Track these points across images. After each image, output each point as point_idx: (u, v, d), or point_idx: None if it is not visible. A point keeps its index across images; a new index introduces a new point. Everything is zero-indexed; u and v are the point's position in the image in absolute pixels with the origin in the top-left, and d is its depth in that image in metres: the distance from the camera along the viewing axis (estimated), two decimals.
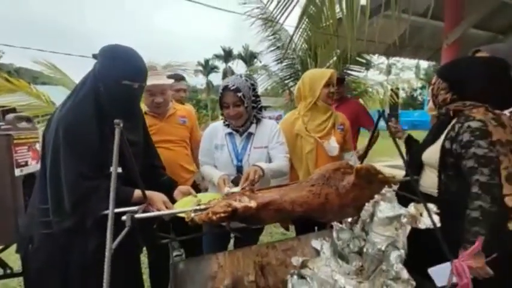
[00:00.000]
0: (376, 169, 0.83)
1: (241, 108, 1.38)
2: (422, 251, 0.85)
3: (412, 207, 0.85)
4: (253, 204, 0.74)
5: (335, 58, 4.75)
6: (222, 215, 0.66)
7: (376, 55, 4.91)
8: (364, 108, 2.39)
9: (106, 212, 0.82)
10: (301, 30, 4.21)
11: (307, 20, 3.67)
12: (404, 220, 0.84)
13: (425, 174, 1.17)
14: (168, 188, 1.20)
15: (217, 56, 35.42)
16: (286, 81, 5.61)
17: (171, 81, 1.70)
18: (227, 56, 35.22)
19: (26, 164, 1.25)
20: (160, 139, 1.63)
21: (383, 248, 0.82)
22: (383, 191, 0.90)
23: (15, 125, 1.21)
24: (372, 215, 0.91)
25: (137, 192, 0.98)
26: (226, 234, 1.52)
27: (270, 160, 1.44)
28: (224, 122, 1.50)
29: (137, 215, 0.75)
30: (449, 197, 1.05)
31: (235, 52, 34.90)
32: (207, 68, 34.73)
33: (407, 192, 0.95)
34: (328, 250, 1.13)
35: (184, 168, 1.78)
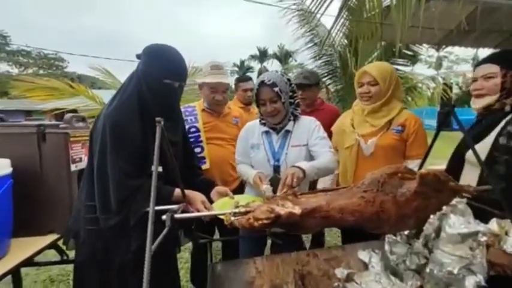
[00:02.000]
0: (446, 175, 0.69)
1: (279, 104, 1.32)
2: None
3: (494, 224, 0.69)
4: (297, 210, 0.67)
5: (377, 52, 4.40)
6: (265, 221, 0.60)
7: (425, 47, 4.41)
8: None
9: (148, 209, 0.83)
10: (340, 24, 3.98)
11: (347, 12, 3.44)
12: (483, 239, 0.68)
13: (465, 172, 1.12)
14: (205, 188, 1.19)
15: (252, 57, 35.89)
16: (324, 79, 5.38)
17: (230, 81, 1.81)
18: (262, 56, 35.44)
19: (80, 160, 1.35)
20: (213, 136, 1.72)
21: (455, 271, 0.68)
22: (453, 201, 0.75)
23: (72, 124, 1.32)
24: (439, 230, 0.76)
25: (177, 191, 0.98)
26: (264, 237, 1.47)
27: (311, 158, 1.35)
28: (260, 121, 1.45)
29: (177, 215, 0.73)
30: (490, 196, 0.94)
31: (270, 52, 34.96)
32: (243, 68, 35.37)
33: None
34: (378, 264, 1.00)
35: (233, 167, 1.81)
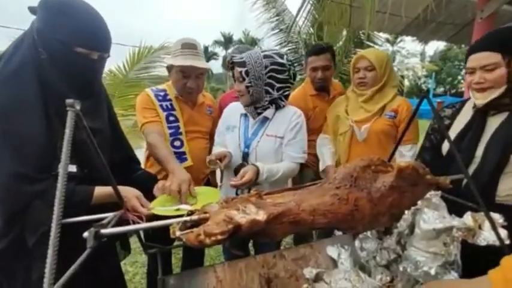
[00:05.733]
0: (424, 168, 0.63)
1: (241, 86, 1.19)
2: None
3: (468, 217, 0.65)
4: (261, 216, 0.54)
5: (341, 42, 4.46)
6: (219, 237, 0.46)
7: (382, 40, 4.61)
8: None
9: (69, 220, 0.63)
10: (306, 10, 3.91)
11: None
12: (457, 234, 0.64)
13: (504, 178, 0.90)
14: (145, 183, 0.99)
15: (216, 42, 34.60)
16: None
17: (209, 65, 1.44)
18: (227, 42, 34.37)
19: None
20: (189, 129, 1.42)
21: (432, 272, 0.63)
22: (428, 195, 0.70)
23: None
24: (412, 226, 0.71)
25: (99, 190, 0.77)
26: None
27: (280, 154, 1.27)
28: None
29: (105, 231, 0.54)
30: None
31: (235, 38, 34.08)
32: (207, 54, 33.97)
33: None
34: (347, 260, 0.95)
35: (205, 164, 1.58)
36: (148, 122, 1.32)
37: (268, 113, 1.25)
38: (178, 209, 0.82)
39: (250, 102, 1.23)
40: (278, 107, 1.27)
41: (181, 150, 1.39)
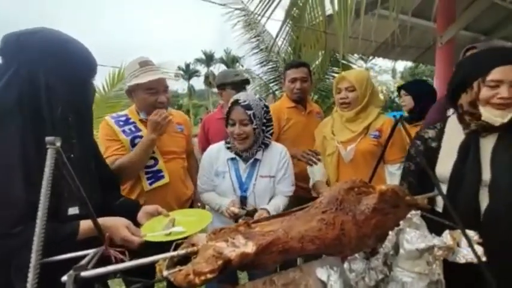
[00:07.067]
0: (404, 191, 0.66)
1: (249, 128, 1.23)
2: None
3: (447, 236, 0.69)
4: (251, 249, 0.54)
5: (318, 61, 4.70)
6: (209, 275, 0.45)
7: (355, 58, 4.94)
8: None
9: (49, 259, 0.59)
10: (285, 32, 4.12)
11: (291, 22, 3.58)
12: (439, 253, 0.67)
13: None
14: (128, 210, 0.96)
15: (198, 60, 34.98)
16: (270, 85, 5.48)
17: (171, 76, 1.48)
18: (208, 60, 34.88)
19: None
20: (162, 150, 1.38)
21: None
22: (408, 215, 0.73)
23: None
24: (397, 246, 0.73)
25: (84, 225, 0.74)
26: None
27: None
28: (226, 144, 1.35)
29: (85, 273, 0.51)
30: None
31: (216, 56, 34.68)
32: (188, 72, 34.15)
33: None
34: (337, 283, 0.94)
35: (185, 185, 1.51)
36: (110, 156, 1.29)
37: (258, 155, 1.31)
38: (170, 233, 0.79)
39: (251, 145, 1.27)
40: (266, 146, 1.33)
41: (155, 168, 1.35)
